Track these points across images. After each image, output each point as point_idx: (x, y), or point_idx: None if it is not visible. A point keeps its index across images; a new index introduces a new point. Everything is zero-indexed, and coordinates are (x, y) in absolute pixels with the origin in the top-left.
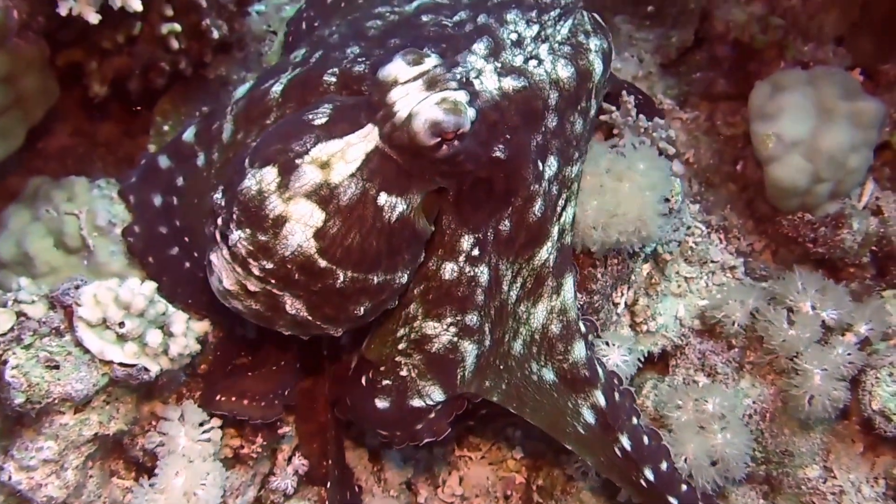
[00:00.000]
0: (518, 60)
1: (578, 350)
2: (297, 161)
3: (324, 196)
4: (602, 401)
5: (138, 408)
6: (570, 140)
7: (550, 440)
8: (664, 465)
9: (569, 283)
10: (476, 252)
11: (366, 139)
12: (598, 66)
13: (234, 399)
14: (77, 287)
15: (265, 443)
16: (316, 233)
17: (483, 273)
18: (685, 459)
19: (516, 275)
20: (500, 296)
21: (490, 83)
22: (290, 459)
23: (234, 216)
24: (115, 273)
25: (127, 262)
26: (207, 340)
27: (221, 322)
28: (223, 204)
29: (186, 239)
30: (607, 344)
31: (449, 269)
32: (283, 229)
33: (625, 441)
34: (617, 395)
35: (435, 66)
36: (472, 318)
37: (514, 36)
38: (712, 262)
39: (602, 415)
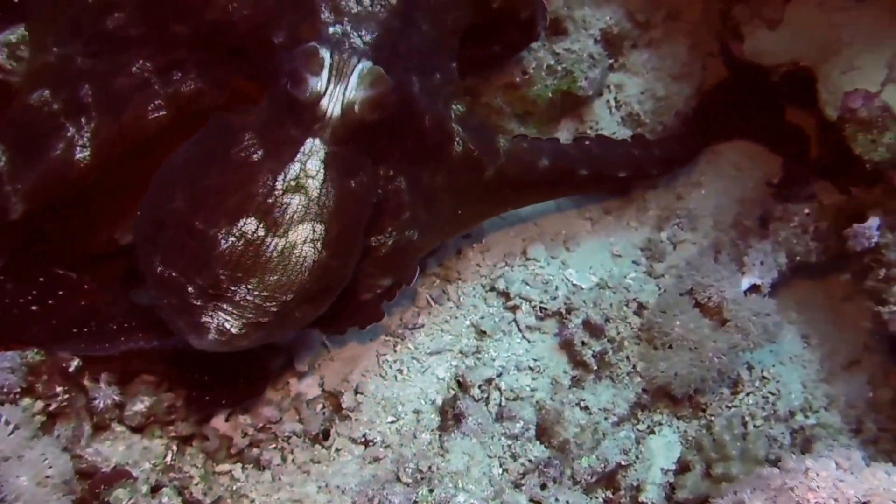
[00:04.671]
0: (352, 4)
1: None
2: (271, 199)
3: (313, 212)
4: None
5: None
6: (422, 50)
7: None
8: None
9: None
10: (391, 172)
11: (313, 152)
12: None
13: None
14: None
15: (66, 385)
16: (323, 242)
17: (401, 181)
18: None
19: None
20: (425, 189)
21: (357, 41)
22: (96, 379)
23: (225, 276)
24: None
25: None
26: None
27: None
28: (183, 273)
29: None
30: None
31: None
32: (292, 258)
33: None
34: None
35: (331, 57)
36: (405, 216)
37: None
38: None
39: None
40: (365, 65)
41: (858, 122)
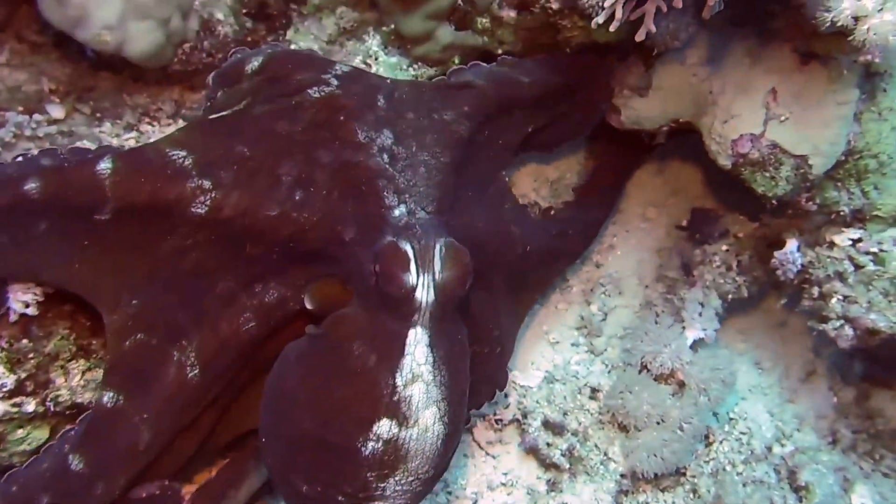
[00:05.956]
0: (409, 176)
1: None
2: (396, 398)
3: (434, 394)
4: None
5: None
6: (476, 177)
7: None
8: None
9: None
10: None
11: (419, 341)
12: (464, 130)
13: None
14: None
15: None
16: (449, 416)
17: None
18: None
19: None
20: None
21: (423, 215)
22: None
23: (373, 478)
24: None
25: None
26: None
27: None
28: (331, 485)
29: None
30: None
31: None
32: (426, 442)
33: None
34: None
35: (412, 249)
36: (493, 327)
37: (386, 157)
38: None
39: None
40: (441, 243)
41: (753, 164)
